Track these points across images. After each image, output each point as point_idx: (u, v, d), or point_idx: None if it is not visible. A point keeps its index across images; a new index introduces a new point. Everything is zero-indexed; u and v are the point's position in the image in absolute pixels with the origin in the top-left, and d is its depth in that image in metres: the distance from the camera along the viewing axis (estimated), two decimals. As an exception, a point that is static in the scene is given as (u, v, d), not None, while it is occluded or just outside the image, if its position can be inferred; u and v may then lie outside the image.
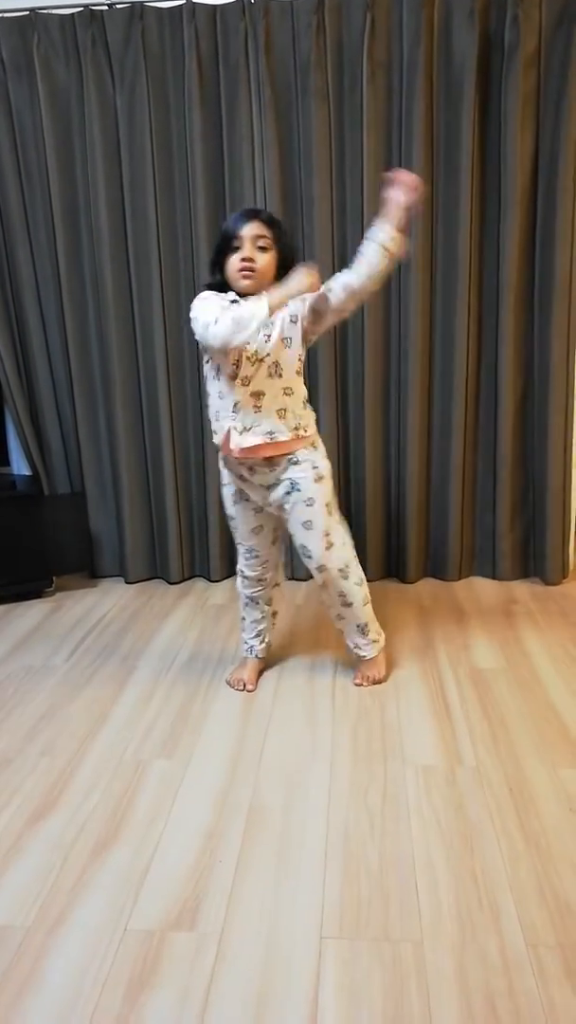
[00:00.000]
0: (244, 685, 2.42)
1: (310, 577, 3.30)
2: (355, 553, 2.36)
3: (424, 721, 2.20)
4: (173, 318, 3.17)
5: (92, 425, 3.33)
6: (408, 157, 2.93)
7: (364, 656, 2.42)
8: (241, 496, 2.32)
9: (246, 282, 2.08)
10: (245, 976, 1.38)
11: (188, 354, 3.22)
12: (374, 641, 2.42)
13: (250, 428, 2.15)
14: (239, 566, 2.45)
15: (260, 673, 2.50)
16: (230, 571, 3.45)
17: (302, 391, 2.22)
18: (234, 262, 2.08)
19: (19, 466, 3.53)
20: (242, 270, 2.07)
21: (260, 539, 2.37)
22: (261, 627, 2.49)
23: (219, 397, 2.18)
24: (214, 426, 2.23)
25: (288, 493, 2.21)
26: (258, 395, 2.14)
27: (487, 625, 2.86)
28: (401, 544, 3.31)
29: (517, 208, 2.94)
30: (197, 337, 2.07)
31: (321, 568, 2.27)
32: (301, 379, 2.22)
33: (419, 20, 2.81)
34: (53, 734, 2.20)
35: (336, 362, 3.16)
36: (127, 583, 3.42)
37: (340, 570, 2.29)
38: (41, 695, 2.44)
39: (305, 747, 2.09)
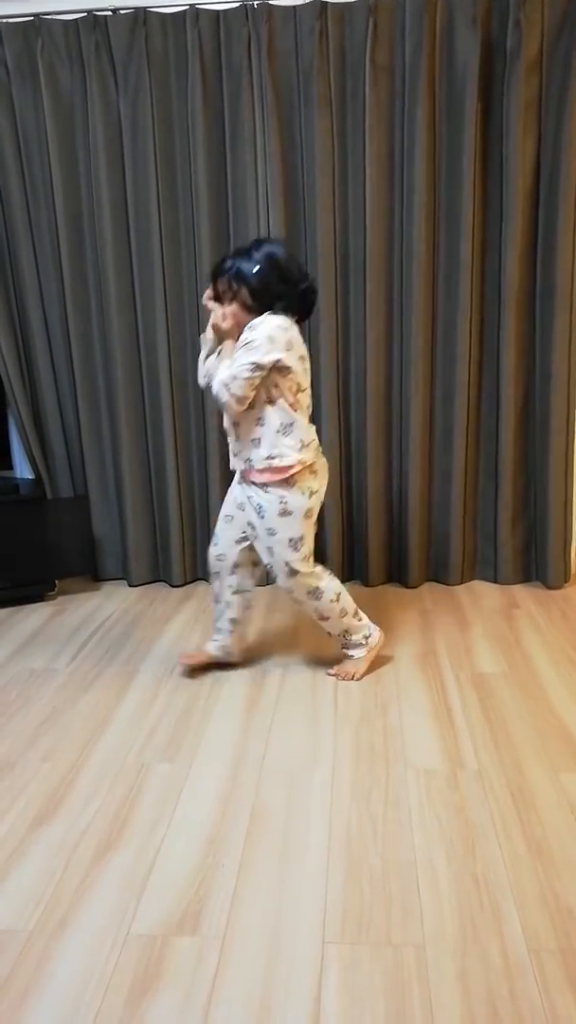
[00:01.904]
0: (184, 658, 2.55)
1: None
2: (328, 575, 2.41)
3: (426, 725, 2.20)
4: (176, 321, 3.18)
5: (95, 428, 3.33)
6: (410, 162, 2.94)
7: (351, 656, 2.50)
8: (239, 484, 2.42)
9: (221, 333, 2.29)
10: (248, 980, 1.38)
11: (191, 357, 3.23)
12: (359, 644, 2.47)
13: (236, 453, 2.34)
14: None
15: (205, 666, 2.57)
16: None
17: (277, 420, 2.24)
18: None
19: (22, 469, 3.54)
20: (214, 326, 2.29)
21: (227, 528, 2.44)
22: (217, 623, 2.54)
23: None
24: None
25: (256, 515, 2.32)
26: (236, 425, 2.30)
27: (489, 629, 2.86)
28: (403, 548, 3.31)
29: (519, 213, 2.95)
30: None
31: (288, 591, 2.39)
32: (280, 408, 2.24)
33: (421, 25, 2.82)
34: (55, 738, 2.20)
35: (338, 367, 3.17)
36: (130, 586, 3.43)
37: (308, 593, 2.37)
38: (44, 699, 2.44)
39: (307, 750, 2.09)
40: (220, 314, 2.24)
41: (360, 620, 2.46)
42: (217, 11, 2.90)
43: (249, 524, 2.36)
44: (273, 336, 2.15)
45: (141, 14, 2.91)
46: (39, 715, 2.34)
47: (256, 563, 2.47)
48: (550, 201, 2.94)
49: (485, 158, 2.98)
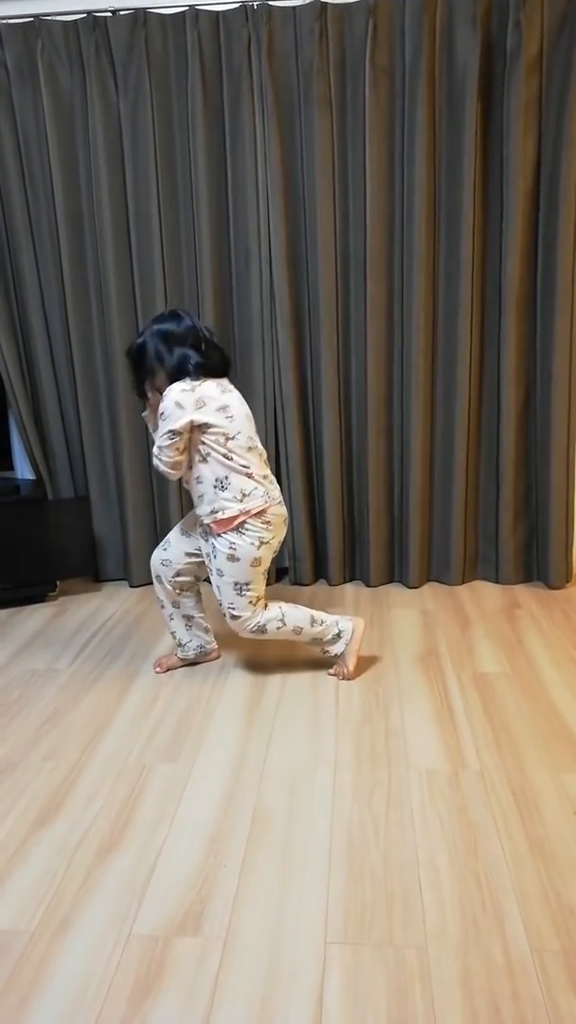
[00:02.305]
0: (158, 664, 2.62)
1: (310, 583, 3.30)
2: (264, 606, 2.43)
3: (428, 725, 2.20)
4: (176, 323, 3.18)
5: (96, 430, 3.34)
6: (410, 162, 2.94)
7: (332, 653, 2.51)
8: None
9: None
10: (250, 981, 1.38)
11: (191, 359, 3.23)
12: (335, 641, 2.49)
13: (195, 506, 2.39)
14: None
15: (175, 667, 2.62)
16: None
17: (212, 476, 2.30)
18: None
19: (23, 470, 3.54)
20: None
21: (181, 539, 2.48)
22: (171, 627, 2.59)
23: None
24: None
25: (208, 554, 2.39)
26: (187, 482, 2.38)
27: (490, 629, 2.86)
28: (404, 549, 3.31)
29: (519, 213, 2.95)
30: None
31: (234, 630, 2.43)
32: (213, 463, 2.29)
33: (421, 26, 2.82)
34: (57, 738, 2.20)
35: (339, 368, 3.17)
36: (131, 587, 3.43)
37: (253, 632, 2.41)
38: (45, 699, 2.44)
39: (309, 751, 2.09)
40: (148, 413, 2.43)
41: (322, 624, 2.46)
42: (217, 12, 2.90)
43: (206, 555, 2.41)
44: (179, 400, 2.23)
45: (141, 15, 2.91)
46: (41, 715, 2.34)
47: (198, 578, 2.54)
48: (550, 201, 2.94)
49: (485, 158, 2.98)
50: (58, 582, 3.34)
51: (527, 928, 1.47)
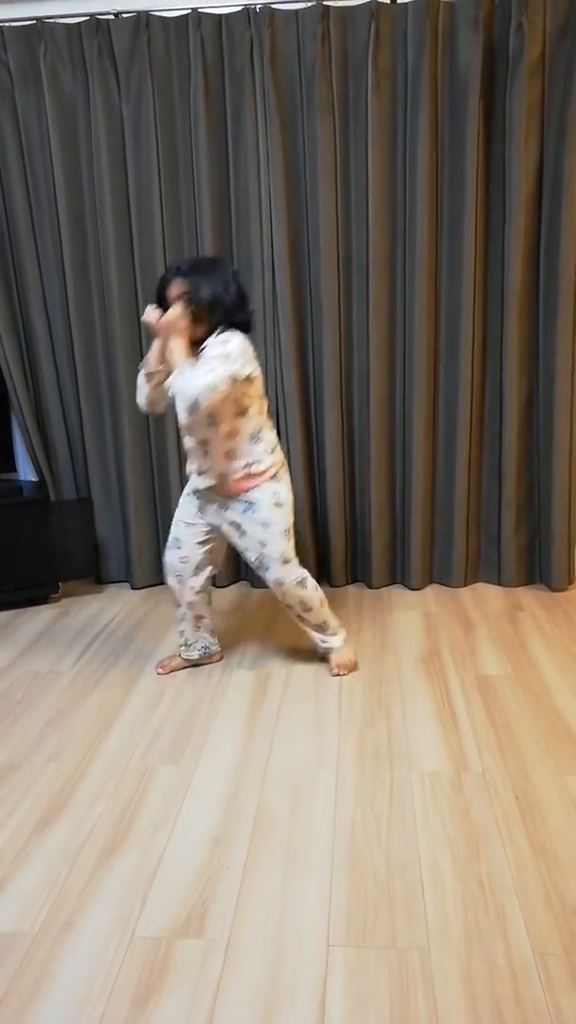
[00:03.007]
0: (161, 666, 2.61)
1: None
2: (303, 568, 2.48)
3: (430, 727, 2.20)
4: (179, 325, 3.18)
5: (98, 431, 3.34)
6: (413, 165, 2.94)
7: (331, 647, 2.54)
8: (196, 496, 2.45)
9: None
10: (252, 983, 1.38)
11: (194, 361, 3.23)
12: (334, 634, 2.54)
13: (205, 471, 2.36)
14: (167, 559, 2.53)
15: (178, 668, 2.63)
16: (235, 577, 3.45)
17: (248, 430, 2.31)
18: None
19: (26, 472, 3.55)
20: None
21: (188, 532, 2.47)
22: (181, 627, 2.59)
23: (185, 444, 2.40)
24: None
25: (244, 512, 2.36)
26: (204, 443, 2.32)
27: (493, 631, 2.86)
28: (406, 551, 3.31)
29: (522, 215, 2.95)
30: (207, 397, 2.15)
31: (278, 582, 2.41)
32: (248, 417, 2.29)
33: (423, 28, 2.83)
34: (60, 740, 2.20)
35: (341, 369, 3.17)
36: (133, 589, 3.43)
37: (298, 583, 2.43)
38: (48, 701, 2.44)
39: (311, 753, 2.09)
40: (178, 312, 2.19)
41: (328, 609, 2.54)
42: (219, 15, 2.91)
43: (233, 525, 2.39)
44: (245, 350, 2.21)
45: (143, 18, 2.92)
46: (44, 717, 2.34)
47: (215, 564, 2.55)
48: (552, 204, 2.94)
49: (487, 161, 2.98)
50: (60, 584, 3.34)
51: (530, 930, 1.47)
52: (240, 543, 2.41)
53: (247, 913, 1.54)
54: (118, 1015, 1.33)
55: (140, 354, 3.22)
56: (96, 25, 2.93)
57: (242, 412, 2.27)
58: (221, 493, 2.38)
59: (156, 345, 2.28)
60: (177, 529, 2.50)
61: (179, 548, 2.49)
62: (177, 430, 3.26)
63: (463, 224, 2.98)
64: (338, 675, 2.52)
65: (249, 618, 3.06)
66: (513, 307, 3.04)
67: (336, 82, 2.93)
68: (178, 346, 2.19)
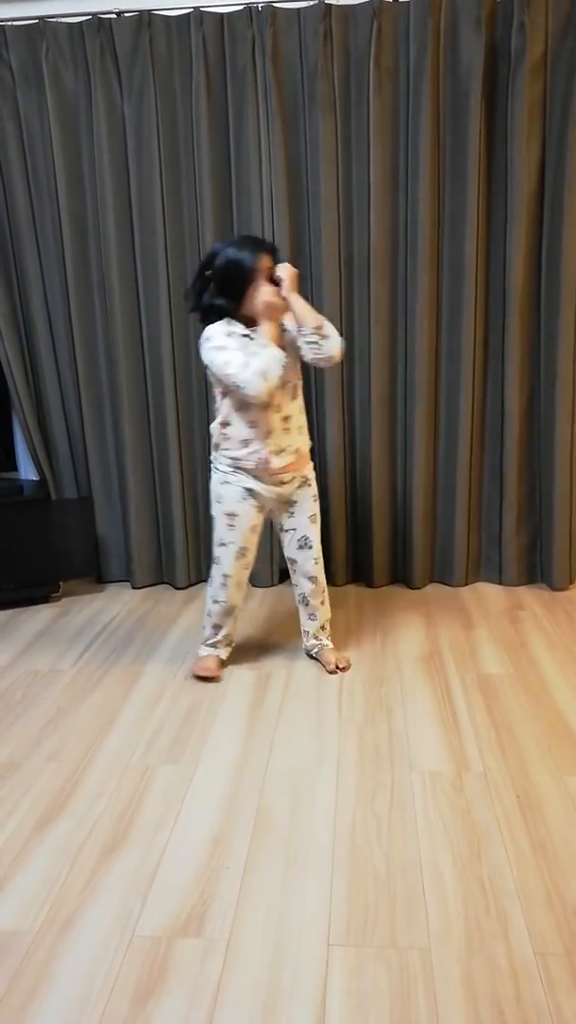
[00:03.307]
0: (211, 672, 2.53)
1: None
2: None
3: (431, 727, 2.20)
4: (180, 324, 3.18)
5: (99, 430, 3.34)
6: (414, 164, 2.94)
7: (327, 646, 2.61)
8: (250, 494, 2.41)
9: (272, 321, 2.27)
10: (252, 983, 1.38)
11: (194, 359, 3.23)
12: (328, 633, 2.65)
13: (285, 448, 2.38)
14: (224, 570, 2.47)
15: (224, 667, 2.61)
16: (236, 576, 3.45)
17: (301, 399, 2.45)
18: (260, 295, 2.24)
19: (27, 471, 3.55)
20: (278, 309, 2.26)
21: (255, 539, 2.48)
22: (228, 631, 2.59)
23: (250, 426, 2.34)
24: (240, 452, 2.36)
25: (300, 488, 2.46)
26: (287, 418, 2.37)
27: (494, 631, 2.86)
28: (407, 550, 3.31)
29: (523, 215, 2.95)
30: (227, 383, 2.25)
31: (317, 559, 2.52)
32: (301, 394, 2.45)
33: (426, 27, 2.82)
34: (60, 739, 2.20)
35: (342, 368, 3.16)
36: (133, 588, 3.43)
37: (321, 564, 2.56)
38: (48, 700, 2.44)
39: (312, 753, 2.09)
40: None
41: None
42: (221, 14, 2.91)
43: (285, 504, 2.47)
44: None
45: (145, 17, 2.92)
46: (44, 716, 2.34)
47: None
48: (555, 203, 2.94)
49: (489, 160, 2.98)
50: (61, 583, 3.34)
51: (530, 930, 1.47)
52: (289, 523, 2.48)
53: (247, 912, 1.54)
54: (118, 1014, 1.33)
55: (141, 352, 3.22)
56: (98, 24, 2.92)
57: (301, 388, 2.41)
58: (289, 471, 2.40)
59: (270, 328, 2.26)
60: (243, 538, 2.43)
61: (244, 556, 2.46)
62: (179, 428, 3.26)
63: (464, 223, 2.97)
64: (337, 669, 2.54)
65: (249, 618, 3.05)
66: (515, 306, 3.03)
67: (338, 81, 2.93)
68: (265, 329, 2.27)
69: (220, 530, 2.45)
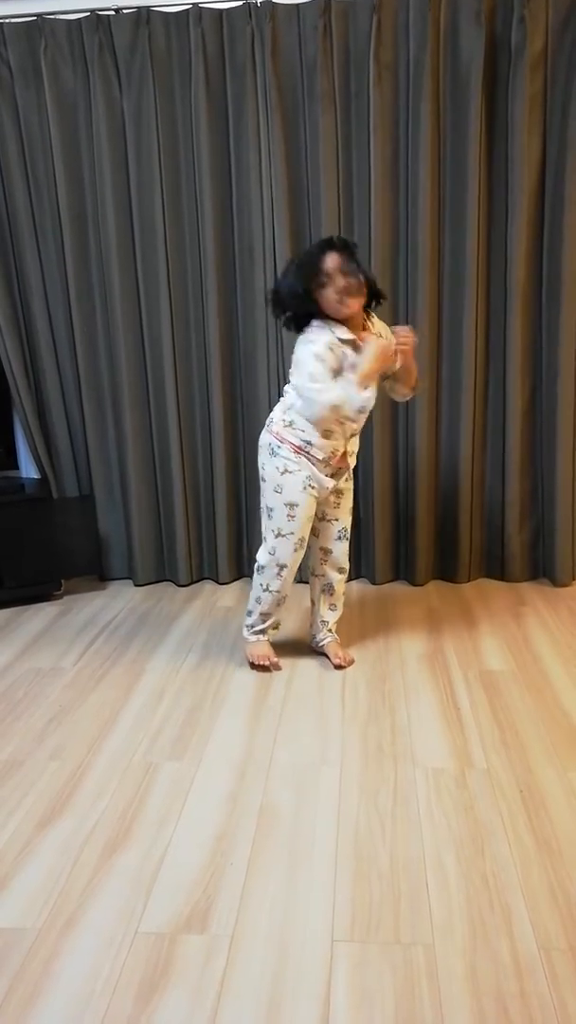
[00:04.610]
0: (270, 659, 2.57)
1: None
2: None
3: (434, 723, 2.20)
4: (180, 321, 3.18)
5: (100, 428, 3.34)
6: (415, 158, 2.93)
7: (337, 639, 2.63)
8: (311, 484, 2.41)
9: (347, 311, 2.26)
10: (256, 979, 1.38)
11: (195, 357, 3.23)
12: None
13: (354, 436, 2.48)
14: (281, 560, 2.45)
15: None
16: (238, 573, 3.45)
17: None
18: (331, 295, 2.24)
19: (28, 469, 3.55)
20: (342, 303, 2.25)
21: (309, 528, 2.49)
22: (278, 618, 2.61)
23: (338, 422, 2.36)
24: (317, 440, 2.38)
25: (346, 480, 2.54)
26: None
27: (496, 627, 2.85)
28: (410, 546, 3.30)
29: (524, 209, 2.94)
30: (301, 389, 2.32)
31: (345, 552, 2.59)
32: None
33: (425, 22, 2.81)
34: (63, 737, 2.20)
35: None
36: (136, 586, 3.43)
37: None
38: (51, 697, 2.44)
39: (315, 749, 2.09)
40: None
41: None
42: (220, 9, 2.90)
43: (335, 494, 2.51)
44: None
45: (144, 13, 2.91)
46: (46, 714, 2.34)
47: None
48: (555, 197, 2.93)
49: (490, 154, 2.97)
50: (63, 581, 3.34)
51: (534, 926, 1.47)
52: (333, 513, 2.53)
53: (251, 909, 1.54)
54: (122, 1011, 1.32)
55: (142, 349, 3.22)
56: (96, 21, 2.92)
57: None
58: (341, 463, 2.47)
59: (373, 367, 2.28)
60: (302, 529, 2.43)
61: (302, 547, 2.48)
62: (181, 426, 3.25)
63: (465, 218, 2.96)
64: (341, 666, 2.54)
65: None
66: (516, 301, 3.03)
67: (337, 76, 2.92)
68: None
69: (279, 520, 2.41)
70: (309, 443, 2.37)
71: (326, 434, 2.37)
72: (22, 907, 1.57)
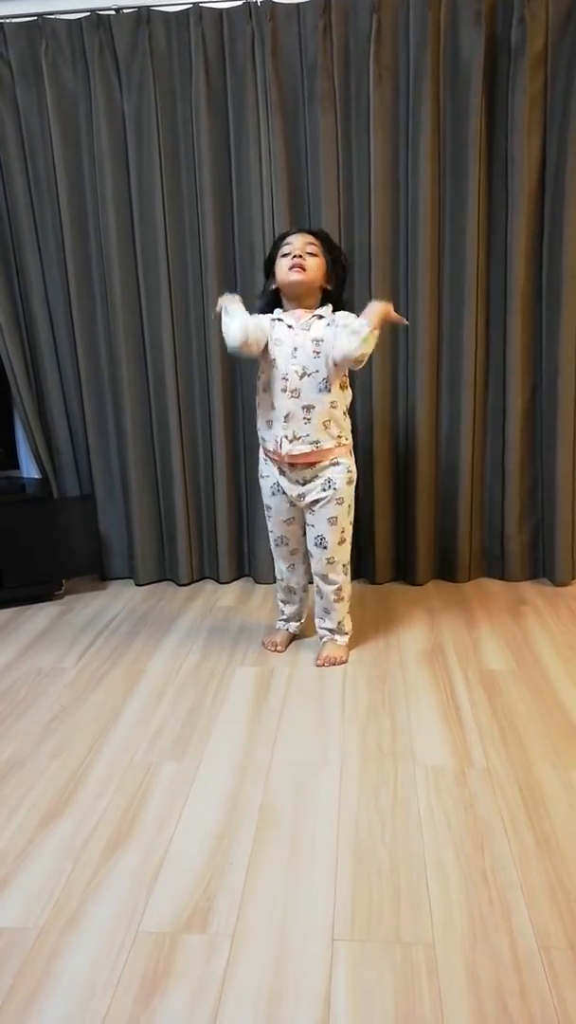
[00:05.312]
0: (276, 646, 2.70)
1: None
2: None
3: (434, 722, 2.20)
4: (181, 320, 3.18)
5: (101, 427, 3.34)
6: (415, 159, 2.93)
7: (335, 641, 2.63)
8: (278, 488, 2.50)
9: (296, 275, 2.33)
10: (257, 978, 1.38)
11: (196, 356, 3.23)
12: (346, 632, 2.65)
13: (300, 436, 2.39)
14: (273, 551, 2.67)
15: (291, 641, 2.76)
16: (239, 573, 3.45)
17: (345, 404, 2.44)
18: (284, 262, 2.35)
19: (28, 469, 3.55)
20: (292, 266, 2.33)
21: (291, 530, 2.58)
22: (294, 609, 2.74)
23: (272, 407, 2.41)
24: (265, 433, 2.48)
25: (324, 490, 2.45)
26: (309, 408, 2.36)
27: (496, 626, 2.85)
28: (410, 546, 3.31)
29: (524, 209, 2.94)
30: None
31: (331, 560, 2.51)
32: (348, 393, 2.45)
33: (425, 22, 2.82)
34: (64, 736, 2.21)
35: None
36: (136, 585, 3.43)
37: (344, 566, 2.56)
38: (51, 697, 2.44)
39: (315, 748, 2.09)
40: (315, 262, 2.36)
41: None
42: (220, 9, 2.90)
43: (310, 502, 2.48)
44: None
45: (144, 13, 2.91)
46: (47, 714, 2.34)
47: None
48: (555, 197, 2.93)
49: (490, 154, 2.97)
50: (64, 580, 3.34)
51: (535, 925, 1.47)
52: (310, 519, 2.51)
53: (251, 908, 1.54)
54: (122, 1010, 1.33)
55: (143, 349, 3.22)
56: (97, 20, 2.92)
57: (345, 385, 2.43)
58: (306, 462, 2.42)
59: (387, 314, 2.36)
60: (279, 528, 2.58)
61: (287, 545, 2.61)
62: (181, 425, 3.26)
63: (465, 218, 2.97)
64: (320, 666, 2.56)
65: (252, 614, 3.06)
66: (516, 300, 3.03)
67: (338, 76, 2.92)
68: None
69: (267, 517, 2.62)
70: (264, 440, 2.49)
71: (267, 423, 2.44)
72: (23, 907, 1.57)
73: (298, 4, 2.88)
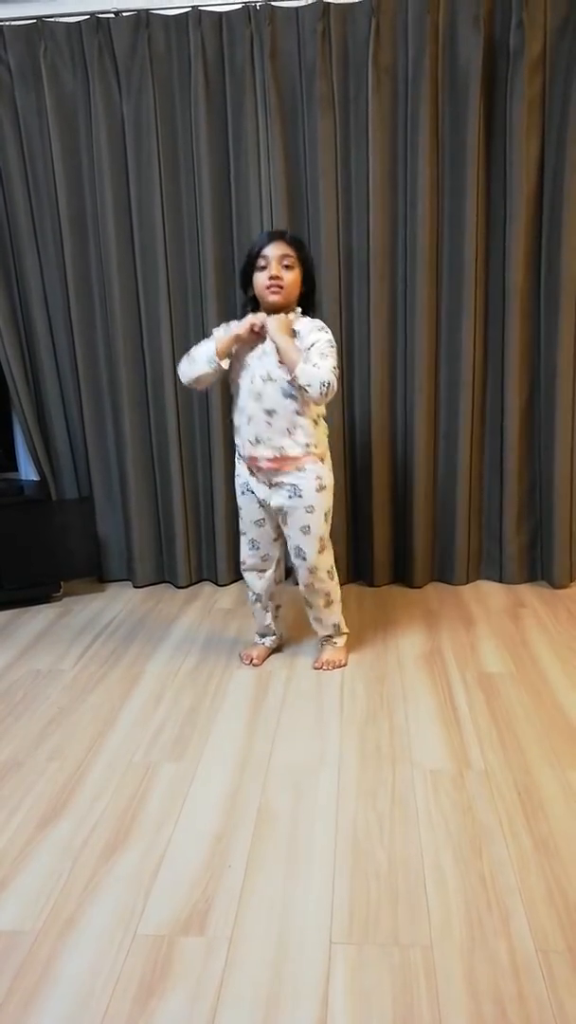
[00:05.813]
0: (251, 660, 2.63)
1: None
2: None
3: (432, 725, 2.20)
4: (180, 323, 3.18)
5: (99, 430, 3.34)
6: (413, 163, 2.94)
7: (336, 644, 2.62)
8: (248, 488, 2.48)
9: (274, 297, 2.29)
10: (255, 981, 1.38)
11: (195, 359, 3.23)
12: (343, 633, 2.63)
13: (263, 441, 2.36)
14: (241, 556, 2.60)
15: (269, 654, 2.69)
16: (237, 575, 3.45)
17: (315, 412, 2.38)
18: (262, 279, 2.29)
19: (27, 471, 3.55)
20: (270, 287, 2.28)
21: (262, 532, 2.52)
22: (266, 623, 2.65)
23: (238, 412, 2.40)
24: (237, 437, 2.46)
25: (290, 497, 2.40)
26: (271, 412, 2.32)
27: (494, 629, 2.86)
28: (408, 549, 3.31)
29: (523, 212, 2.95)
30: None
31: (313, 569, 2.46)
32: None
33: (424, 26, 2.82)
34: (62, 738, 2.21)
35: (342, 367, 3.16)
36: (135, 587, 3.43)
37: (328, 572, 2.50)
38: (50, 699, 2.44)
39: (313, 751, 2.09)
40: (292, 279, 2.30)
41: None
42: (219, 13, 2.91)
43: (280, 511, 2.43)
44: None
45: (143, 16, 2.92)
46: (45, 715, 2.34)
47: (282, 554, 2.60)
48: (554, 200, 2.94)
49: (488, 158, 2.97)
50: (62, 583, 3.34)
51: (532, 928, 1.47)
52: (285, 529, 2.48)
53: (249, 910, 1.54)
54: (120, 1012, 1.33)
55: (142, 351, 3.22)
56: (96, 24, 2.92)
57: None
58: (268, 468, 2.38)
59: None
60: (250, 531, 2.53)
61: (258, 549, 2.54)
62: (180, 428, 3.26)
63: (464, 221, 2.97)
64: (319, 669, 2.56)
65: (250, 616, 3.05)
66: (514, 303, 3.03)
67: (336, 79, 2.93)
68: (288, 342, 2.25)
69: (240, 518, 2.56)
70: (238, 445, 2.46)
71: (237, 429, 2.43)
72: (21, 909, 1.57)
73: (297, 8, 2.89)
